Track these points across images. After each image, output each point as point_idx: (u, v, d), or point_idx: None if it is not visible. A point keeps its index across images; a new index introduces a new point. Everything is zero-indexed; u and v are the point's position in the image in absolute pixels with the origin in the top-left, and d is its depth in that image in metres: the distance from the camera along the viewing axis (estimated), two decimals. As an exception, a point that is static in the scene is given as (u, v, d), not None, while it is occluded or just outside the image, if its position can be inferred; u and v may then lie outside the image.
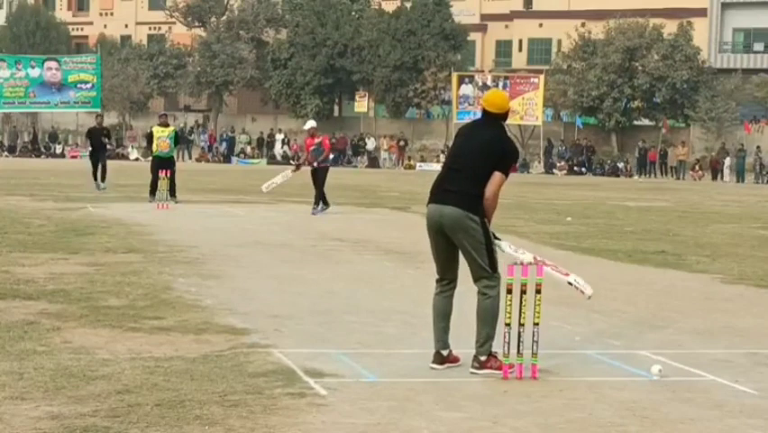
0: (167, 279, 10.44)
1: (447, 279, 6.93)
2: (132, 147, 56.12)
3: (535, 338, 6.57)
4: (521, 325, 6.57)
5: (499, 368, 6.64)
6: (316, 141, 20.23)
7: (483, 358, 6.71)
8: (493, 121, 7.01)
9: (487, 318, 6.72)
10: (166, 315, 8.34)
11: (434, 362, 6.82)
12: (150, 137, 22.95)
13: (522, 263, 6.64)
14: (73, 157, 54.31)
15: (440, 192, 6.88)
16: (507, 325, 6.56)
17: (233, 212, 19.98)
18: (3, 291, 9.24)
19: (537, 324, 6.59)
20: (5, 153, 55.15)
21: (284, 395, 5.91)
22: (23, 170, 35.48)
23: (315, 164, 20.06)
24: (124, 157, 54.12)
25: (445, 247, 6.88)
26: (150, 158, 22.76)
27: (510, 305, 6.57)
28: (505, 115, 7.07)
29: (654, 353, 7.42)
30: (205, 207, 20.80)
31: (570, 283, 6.91)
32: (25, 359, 6.58)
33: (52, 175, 32.58)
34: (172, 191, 21.02)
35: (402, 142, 55.83)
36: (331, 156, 22.31)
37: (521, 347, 6.57)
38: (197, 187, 22.98)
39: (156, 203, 20.27)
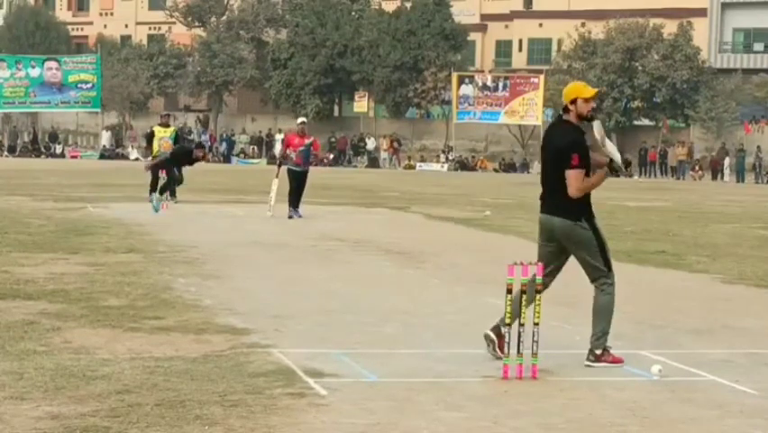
0: (167, 279, 10.44)
1: (544, 282, 7.04)
2: (132, 147, 56.10)
3: (535, 338, 6.57)
4: (521, 325, 6.57)
5: (614, 361, 6.93)
6: (307, 141, 18.88)
7: (599, 352, 6.98)
8: (558, 117, 7.28)
9: (603, 314, 7.02)
10: (166, 315, 8.34)
11: (490, 329, 7.06)
12: (150, 137, 22.87)
13: None
14: (73, 157, 54.33)
15: (546, 202, 7.16)
16: (508, 325, 6.57)
17: (233, 212, 19.97)
18: (3, 291, 9.23)
19: (537, 324, 6.59)
20: (5, 153, 55.14)
21: (284, 395, 5.91)
22: (23, 170, 35.47)
23: (302, 167, 18.77)
24: (124, 157, 54.11)
25: (554, 253, 7.14)
26: (150, 158, 22.67)
27: (510, 305, 6.57)
28: (566, 107, 7.17)
29: (654, 353, 7.41)
30: (205, 207, 20.79)
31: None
32: (25, 359, 6.58)
33: (52, 175, 32.58)
34: (173, 191, 21.02)
35: (396, 143, 55.76)
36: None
37: (521, 347, 6.57)
38: (197, 187, 22.97)
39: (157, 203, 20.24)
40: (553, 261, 7.14)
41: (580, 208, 7.02)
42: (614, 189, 35.15)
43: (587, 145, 7.07)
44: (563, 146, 7.01)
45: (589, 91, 7.20)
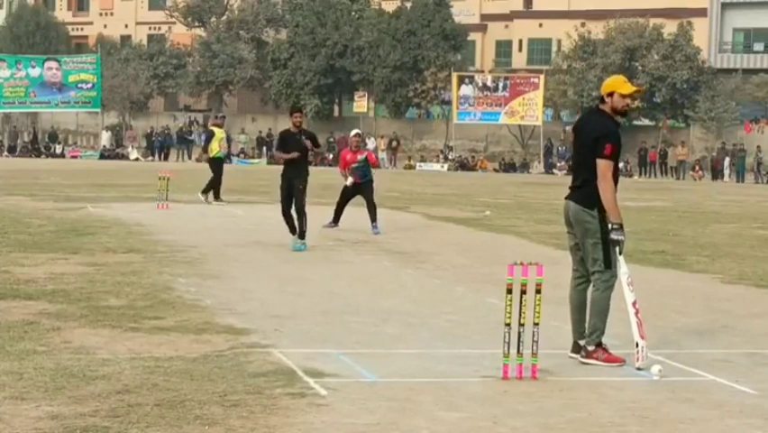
0: (167, 279, 10.44)
1: (579, 271, 7.24)
2: (132, 147, 56.08)
3: (535, 338, 6.57)
4: (521, 325, 6.57)
5: (607, 360, 6.94)
6: (360, 157, 16.75)
7: (591, 348, 7.00)
8: (595, 107, 7.33)
9: (594, 310, 7.05)
10: (166, 315, 8.34)
11: (572, 351, 7.14)
12: (210, 137, 22.69)
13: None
14: (73, 157, 54.31)
15: (570, 188, 7.26)
16: (507, 325, 6.56)
17: (233, 212, 19.97)
18: (3, 291, 9.24)
19: (537, 324, 6.59)
20: (5, 153, 55.14)
21: (284, 395, 5.91)
22: (23, 170, 35.46)
23: (364, 180, 16.79)
24: (124, 157, 54.11)
25: (572, 236, 7.23)
26: (210, 158, 22.33)
27: (510, 305, 6.57)
28: (602, 98, 7.21)
29: (654, 353, 7.41)
30: (205, 207, 20.79)
31: (636, 344, 7.00)
32: (25, 359, 6.58)
33: (52, 175, 32.57)
34: (217, 192, 21.79)
35: (395, 142, 55.71)
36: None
37: (521, 347, 6.57)
38: (197, 187, 22.96)
39: (157, 203, 20.26)
40: (578, 249, 7.23)
41: (594, 201, 7.03)
42: (614, 189, 35.13)
43: (620, 137, 7.09)
44: (599, 134, 7.04)
45: (629, 87, 7.24)
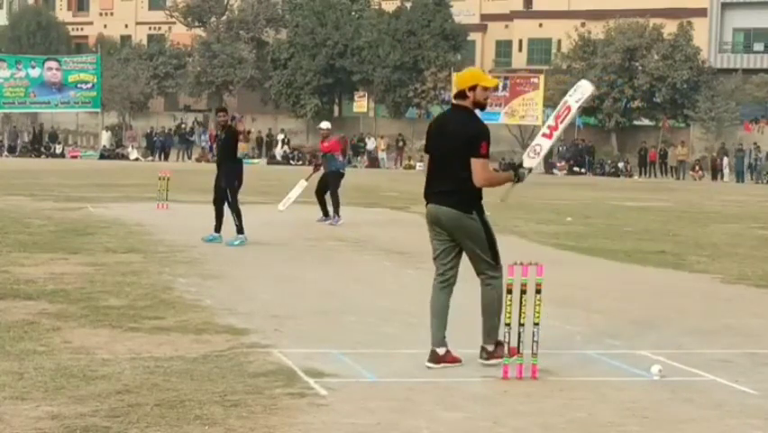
0: (167, 279, 10.44)
1: (445, 276, 6.91)
2: (132, 147, 56.07)
3: (535, 338, 6.57)
4: (521, 325, 6.56)
5: (500, 357, 6.69)
6: (324, 145, 18.39)
7: (491, 348, 6.80)
8: (456, 105, 6.91)
9: (490, 309, 6.82)
10: (166, 315, 8.34)
11: (429, 360, 6.83)
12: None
13: None
14: (73, 157, 54.29)
15: (435, 193, 6.85)
16: (507, 325, 6.56)
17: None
18: (3, 291, 9.23)
19: (537, 324, 6.58)
20: (6, 153, 55.13)
21: (284, 395, 5.91)
22: (23, 170, 35.46)
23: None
24: (124, 157, 54.10)
25: (443, 240, 6.88)
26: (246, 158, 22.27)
27: (510, 305, 6.57)
28: (462, 93, 6.85)
29: (654, 353, 7.41)
30: (205, 208, 20.75)
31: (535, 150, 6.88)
32: (25, 359, 6.58)
33: (52, 175, 32.57)
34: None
35: (401, 143, 55.75)
36: (340, 159, 18.89)
37: (521, 347, 6.57)
38: (197, 187, 22.96)
39: (157, 203, 20.25)
40: (450, 252, 6.87)
41: (473, 201, 6.77)
42: (614, 189, 35.15)
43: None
44: (473, 133, 6.70)
45: (490, 80, 7.00)
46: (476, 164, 6.67)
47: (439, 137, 6.89)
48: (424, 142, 7.20)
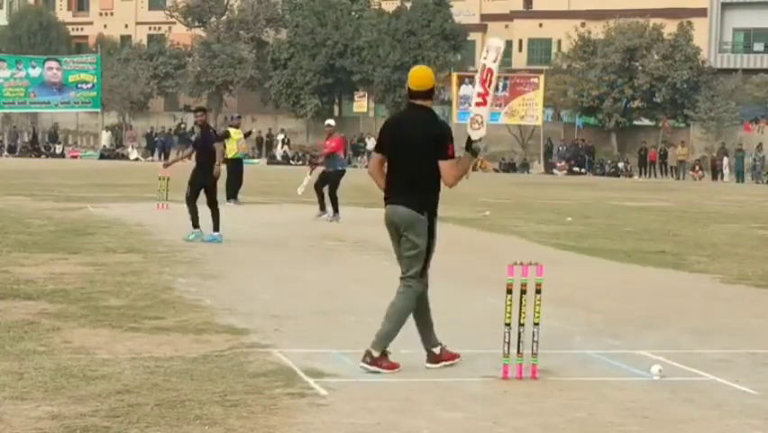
0: (167, 279, 10.44)
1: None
2: (132, 147, 56.07)
3: (535, 338, 6.57)
4: (521, 325, 6.56)
5: (389, 368, 6.58)
6: (328, 143, 18.66)
7: (376, 354, 6.64)
8: (417, 104, 6.76)
9: (391, 315, 6.73)
10: (166, 315, 8.34)
11: (428, 361, 6.84)
12: (224, 137, 22.38)
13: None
14: (73, 157, 54.29)
15: (396, 194, 6.75)
16: (507, 325, 6.56)
17: (233, 212, 19.94)
18: (3, 291, 9.24)
19: (537, 324, 6.58)
20: (5, 153, 55.13)
21: (284, 395, 5.91)
22: (23, 170, 35.46)
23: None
24: (124, 157, 54.10)
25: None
26: (228, 159, 22.03)
27: (510, 305, 6.57)
28: (428, 92, 6.76)
29: (654, 353, 7.41)
30: (205, 208, 20.73)
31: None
32: (25, 359, 6.59)
33: (52, 175, 32.57)
34: (235, 192, 21.86)
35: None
36: (341, 158, 19.36)
37: (521, 347, 6.57)
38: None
39: (157, 203, 20.25)
40: None
41: (430, 203, 6.72)
42: (614, 189, 35.15)
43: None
44: (439, 133, 6.62)
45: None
46: (445, 166, 6.62)
47: (400, 138, 6.72)
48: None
